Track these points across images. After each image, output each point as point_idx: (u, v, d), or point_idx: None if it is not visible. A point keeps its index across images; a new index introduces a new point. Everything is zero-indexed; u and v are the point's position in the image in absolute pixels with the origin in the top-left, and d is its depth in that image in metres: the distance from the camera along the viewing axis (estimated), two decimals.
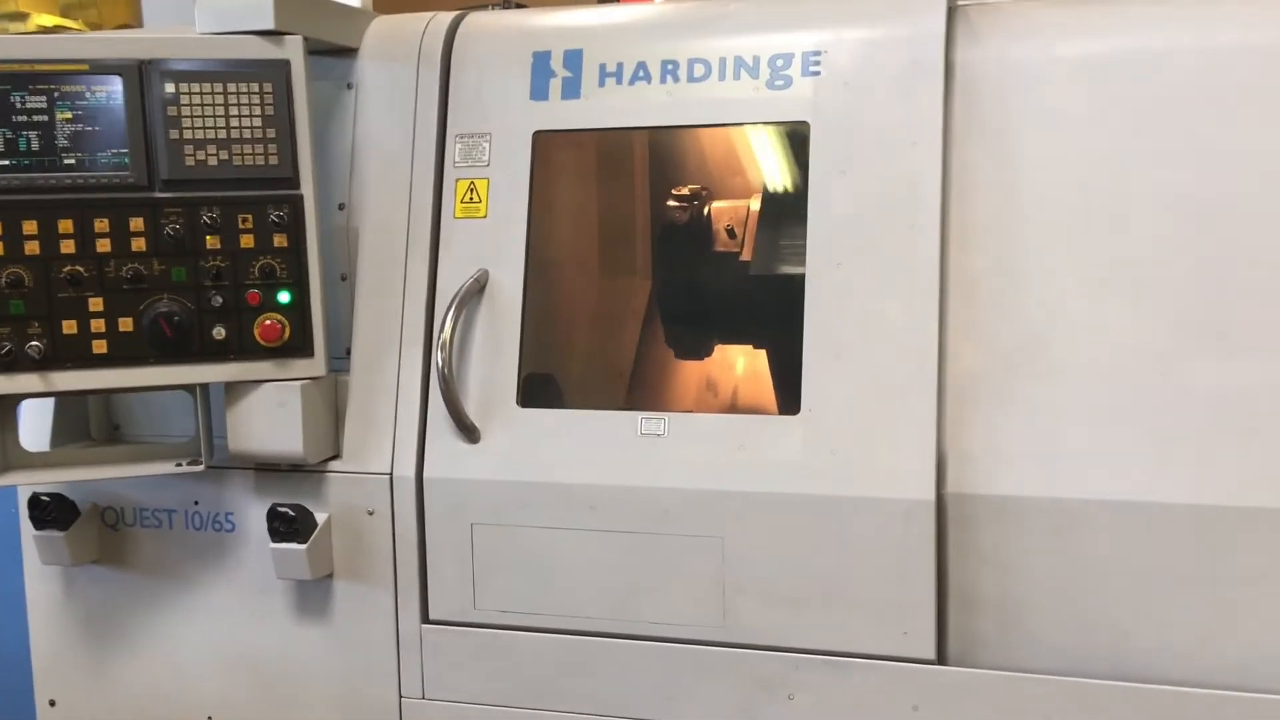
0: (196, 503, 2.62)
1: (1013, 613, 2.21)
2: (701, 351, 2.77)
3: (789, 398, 2.31)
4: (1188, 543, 2.10)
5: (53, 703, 2.77)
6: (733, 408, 2.86)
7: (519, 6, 2.82)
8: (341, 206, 2.57)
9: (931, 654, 2.21)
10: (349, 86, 2.61)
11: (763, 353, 2.71)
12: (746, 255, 2.65)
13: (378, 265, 2.56)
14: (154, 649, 2.69)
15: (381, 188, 2.57)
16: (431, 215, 2.54)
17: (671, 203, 2.69)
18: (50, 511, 2.60)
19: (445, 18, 2.64)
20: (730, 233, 2.62)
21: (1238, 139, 2.14)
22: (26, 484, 2.48)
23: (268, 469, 2.55)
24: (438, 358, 2.42)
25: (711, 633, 2.33)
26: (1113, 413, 2.17)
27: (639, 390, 2.65)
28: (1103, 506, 2.14)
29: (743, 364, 2.88)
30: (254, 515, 2.58)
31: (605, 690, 2.41)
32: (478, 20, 2.63)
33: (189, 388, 2.43)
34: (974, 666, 2.22)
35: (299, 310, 2.41)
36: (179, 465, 2.50)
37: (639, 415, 2.38)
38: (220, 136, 2.33)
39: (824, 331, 2.28)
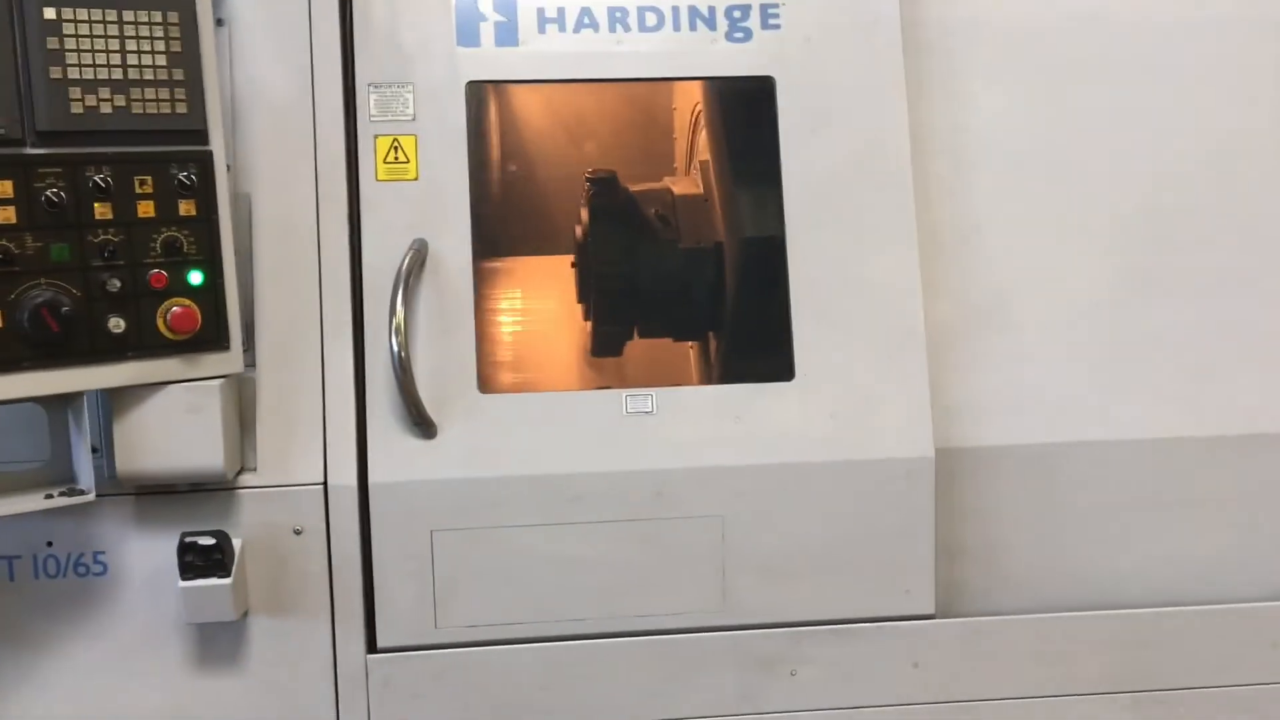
0: (50, 544, 2.08)
1: (995, 560, 2.31)
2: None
3: (782, 365, 2.22)
4: (1145, 473, 2.29)
5: None
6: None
7: None
8: (228, 168, 2.13)
9: (931, 609, 2.25)
10: (219, 23, 2.16)
11: None
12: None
13: (281, 238, 2.16)
14: None
15: (275, 146, 2.17)
16: (347, 178, 2.17)
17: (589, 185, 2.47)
18: None
19: None
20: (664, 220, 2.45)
21: (1167, 100, 2.34)
22: None
23: (152, 491, 2.07)
24: (392, 343, 2.08)
25: (709, 618, 2.22)
26: (1072, 360, 2.31)
27: (617, 368, 2.43)
28: (1071, 448, 2.28)
29: None
30: (134, 551, 2.10)
31: (593, 697, 2.22)
32: None
33: (77, 398, 1.90)
34: (960, 615, 2.28)
35: (212, 294, 1.97)
36: (49, 497, 1.95)
37: (623, 393, 2.19)
38: (115, 77, 1.83)
39: (809, 294, 2.22)
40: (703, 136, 2.43)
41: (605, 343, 2.37)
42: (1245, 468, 2.30)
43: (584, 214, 2.38)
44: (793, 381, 2.21)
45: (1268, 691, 2.31)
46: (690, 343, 2.42)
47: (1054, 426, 2.28)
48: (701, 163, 2.43)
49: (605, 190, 2.33)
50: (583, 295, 2.40)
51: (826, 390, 2.21)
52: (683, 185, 2.47)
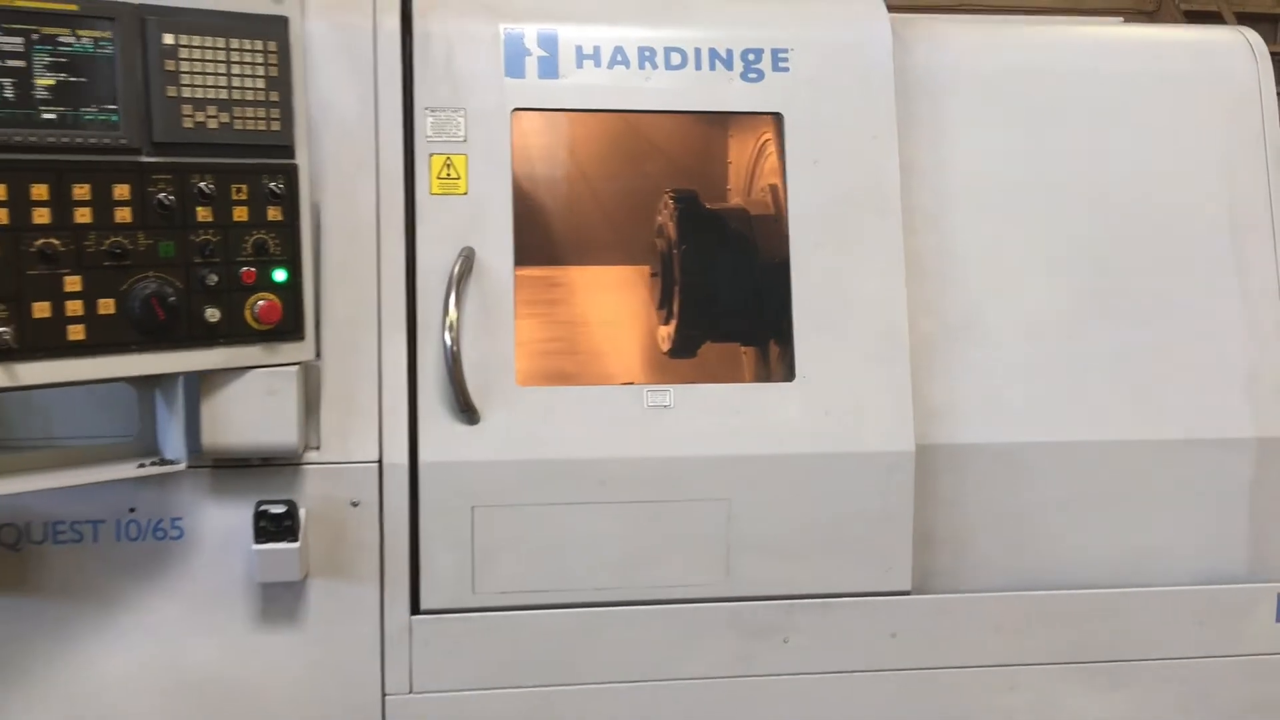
0: (132, 510, 2.33)
1: (964, 545, 2.62)
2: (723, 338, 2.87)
3: (784, 367, 2.53)
4: (1096, 470, 2.62)
5: None
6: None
7: None
8: None
9: (908, 586, 2.55)
10: None
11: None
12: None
13: (345, 243, 2.42)
14: (63, 683, 2.34)
15: (342, 160, 2.43)
16: (404, 191, 2.45)
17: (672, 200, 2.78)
18: None
19: None
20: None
21: (1116, 143, 2.69)
22: None
23: (227, 465, 2.33)
24: (445, 339, 2.36)
25: (714, 590, 2.51)
26: (1035, 370, 2.64)
27: (638, 363, 2.72)
28: (1033, 448, 2.61)
29: None
30: (209, 518, 2.35)
31: (612, 657, 2.49)
32: None
33: (174, 377, 2.16)
34: (933, 593, 2.59)
35: (292, 290, 2.24)
36: (143, 465, 2.21)
37: (644, 388, 2.48)
38: (221, 97, 2.10)
39: (810, 306, 2.53)
40: (769, 163, 2.71)
41: (684, 345, 2.67)
42: (1181, 467, 2.63)
43: (670, 228, 2.66)
44: (793, 382, 2.51)
45: (1197, 664, 2.64)
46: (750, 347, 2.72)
47: (1019, 428, 2.60)
48: (771, 186, 2.72)
49: (689, 207, 2.63)
50: (663, 302, 2.69)
51: (822, 391, 2.51)
52: (754, 207, 2.78)
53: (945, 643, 2.58)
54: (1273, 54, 6.50)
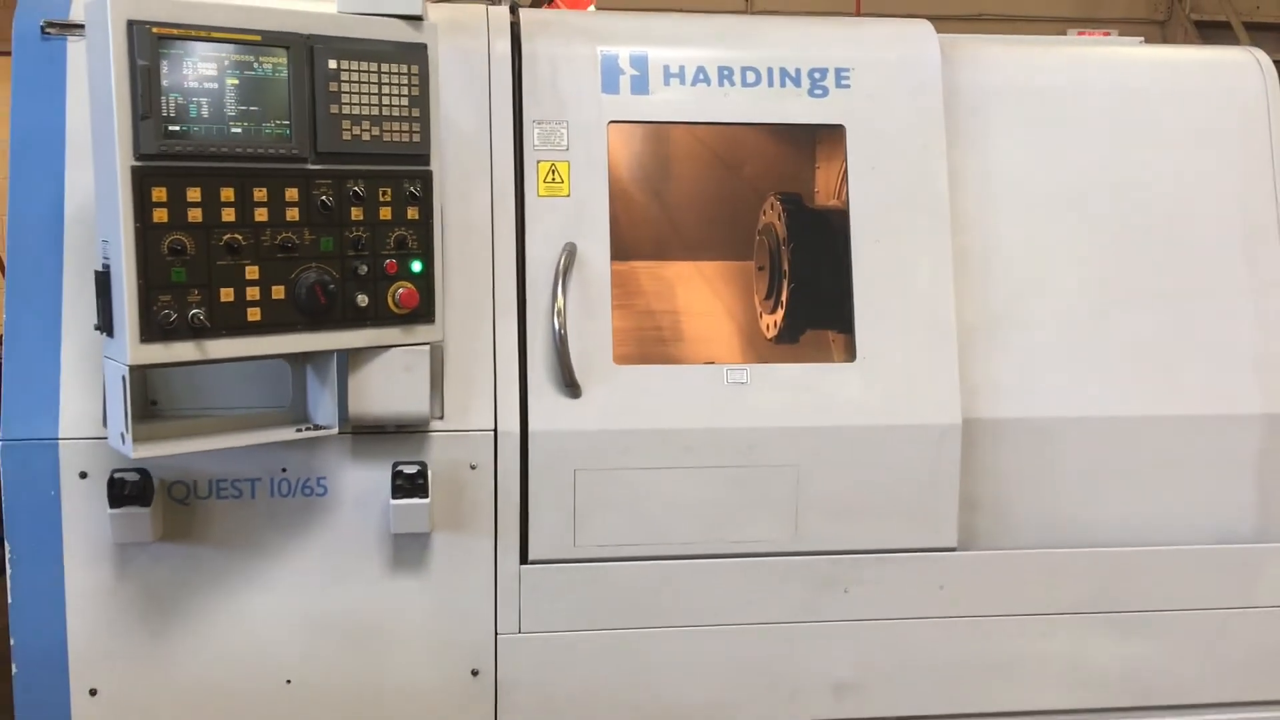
0: (284, 470, 2.68)
1: (1003, 508, 2.96)
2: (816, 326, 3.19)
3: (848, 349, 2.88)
4: (1122, 443, 2.96)
5: (93, 692, 2.67)
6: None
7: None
8: None
9: (954, 543, 2.89)
10: None
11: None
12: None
13: (464, 239, 2.77)
14: (223, 623, 2.69)
15: (462, 167, 2.78)
16: (515, 194, 2.80)
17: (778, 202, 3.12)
18: (130, 489, 2.54)
19: (500, 13, 2.89)
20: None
21: (1138, 150, 3.02)
22: (161, 455, 2.42)
23: (365, 431, 2.68)
24: (554, 323, 2.71)
25: (784, 545, 2.85)
26: (1066, 353, 2.97)
27: (720, 345, 3.06)
28: (1065, 422, 2.95)
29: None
30: (349, 478, 2.70)
31: (694, 603, 2.84)
32: (537, 19, 2.91)
33: (328, 354, 2.51)
34: (976, 549, 2.93)
35: (426, 279, 2.58)
36: (300, 430, 2.56)
37: (724, 368, 2.83)
38: (373, 114, 2.45)
39: (870, 296, 2.87)
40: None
41: (790, 332, 3.01)
42: (1195, 440, 2.97)
43: (777, 226, 3.00)
44: (854, 363, 2.86)
45: (1211, 614, 2.98)
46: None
47: (1052, 404, 2.94)
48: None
49: (795, 207, 2.97)
50: (770, 293, 3.02)
51: (880, 370, 2.85)
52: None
53: (987, 594, 2.92)
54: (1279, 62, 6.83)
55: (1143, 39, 3.49)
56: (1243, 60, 3.12)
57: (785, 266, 3.11)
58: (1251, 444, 2.98)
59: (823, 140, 2.92)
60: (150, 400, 2.67)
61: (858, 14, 5.70)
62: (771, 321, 3.22)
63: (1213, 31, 7.38)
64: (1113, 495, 2.97)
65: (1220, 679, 2.99)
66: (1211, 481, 2.98)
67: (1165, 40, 7.60)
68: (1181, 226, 3.02)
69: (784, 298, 3.13)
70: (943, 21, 7.45)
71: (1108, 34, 7.59)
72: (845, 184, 2.89)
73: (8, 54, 2.66)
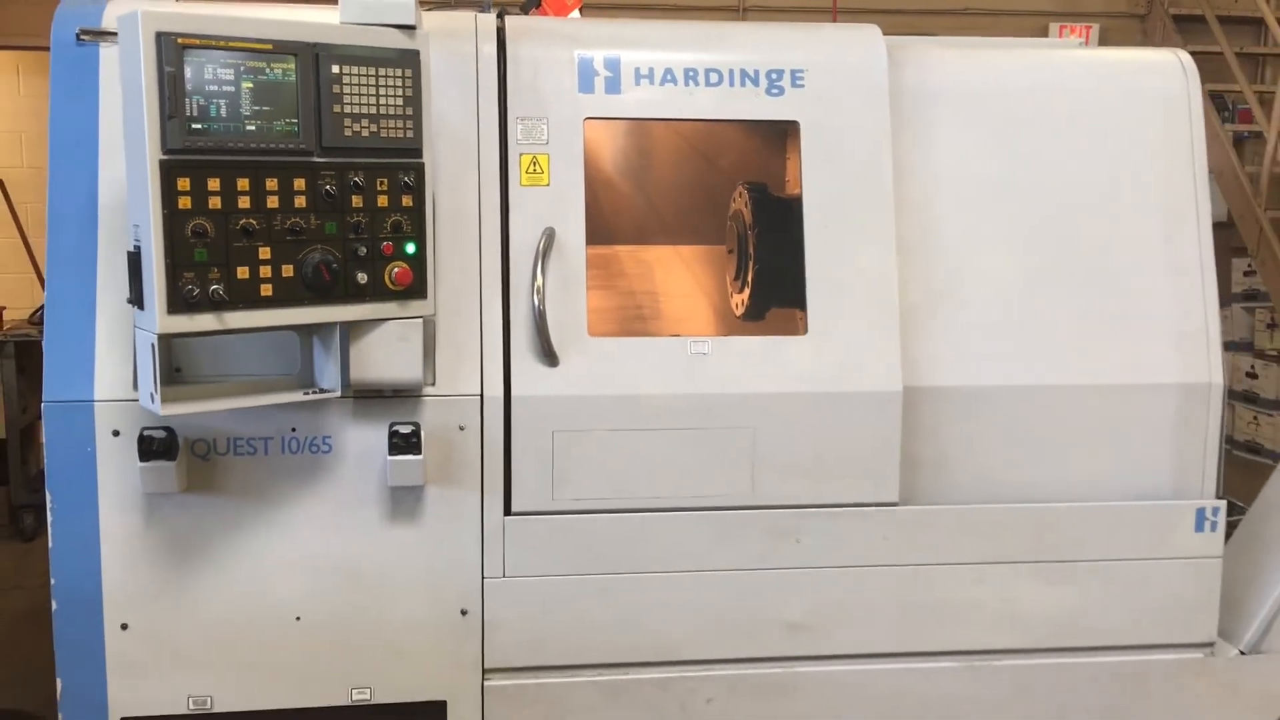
0: (294, 429, 3.01)
1: (942, 467, 3.26)
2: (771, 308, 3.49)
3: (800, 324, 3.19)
4: (1051, 409, 3.27)
5: (124, 626, 3.00)
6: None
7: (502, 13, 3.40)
8: None
9: (897, 499, 3.21)
10: None
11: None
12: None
13: (454, 223, 3.08)
14: (239, 565, 3.03)
15: (451, 159, 3.09)
16: (500, 183, 3.12)
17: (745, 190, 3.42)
18: (158, 445, 2.88)
19: (488, 19, 3.20)
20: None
21: (1071, 145, 3.32)
22: (188, 413, 2.75)
23: (366, 395, 3.01)
24: (534, 299, 3.03)
25: (742, 500, 3.17)
26: (1000, 328, 3.28)
27: (693, 322, 3.37)
28: (999, 390, 3.25)
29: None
30: (351, 437, 3.02)
31: (661, 552, 3.16)
32: (521, 25, 3.23)
33: (332, 325, 2.84)
34: (916, 504, 3.24)
35: (419, 260, 2.90)
36: (308, 393, 2.90)
37: (688, 340, 3.15)
38: (371, 112, 2.77)
39: (820, 275, 3.18)
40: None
41: (756, 310, 3.32)
42: (1118, 407, 3.27)
43: (745, 213, 3.30)
44: (806, 336, 3.17)
45: (1130, 564, 3.29)
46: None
47: (986, 374, 3.24)
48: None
49: (761, 195, 3.29)
50: (738, 274, 3.33)
51: (829, 343, 3.16)
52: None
53: (926, 545, 3.23)
54: (1253, 55, 7.10)
55: (1081, 37, 3.77)
56: (1168, 61, 3.42)
57: (751, 250, 3.43)
58: (1168, 410, 3.28)
59: (792, 135, 3.23)
60: (175, 368, 3.00)
61: (834, 10, 5.97)
62: (740, 300, 3.53)
63: (1190, 25, 7.63)
64: (1042, 456, 3.27)
65: (1137, 623, 3.30)
66: (1132, 444, 3.29)
67: (1146, 34, 7.86)
68: (1107, 214, 3.32)
69: (750, 278, 3.45)
70: (929, 16, 7.73)
71: (1089, 29, 7.89)
72: (796, 175, 3.20)
73: (10, 48, 2.97)
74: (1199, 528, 3.29)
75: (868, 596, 3.22)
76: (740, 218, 3.49)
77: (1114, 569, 3.29)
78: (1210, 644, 3.37)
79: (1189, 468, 3.31)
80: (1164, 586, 3.31)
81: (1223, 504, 3.31)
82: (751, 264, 3.43)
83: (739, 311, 3.53)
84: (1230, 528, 3.45)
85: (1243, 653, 3.40)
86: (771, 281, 3.38)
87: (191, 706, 3.01)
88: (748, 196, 3.46)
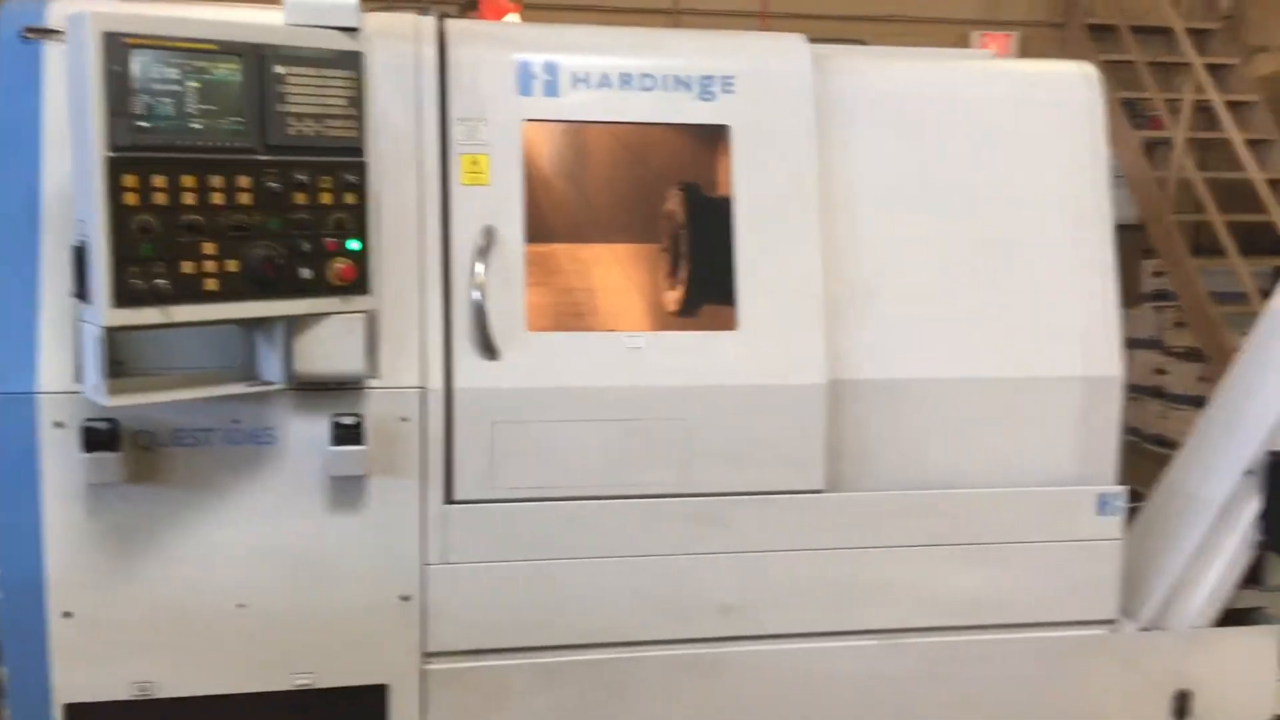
0: (236, 421, 3.08)
1: (864, 456, 3.43)
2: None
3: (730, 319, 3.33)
4: (965, 400, 3.45)
5: (68, 614, 3.05)
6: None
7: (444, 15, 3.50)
8: None
9: (822, 486, 3.37)
10: None
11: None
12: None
13: (396, 221, 3.17)
14: (182, 554, 3.08)
15: (394, 158, 3.17)
16: (440, 182, 3.21)
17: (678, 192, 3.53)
18: (101, 436, 2.94)
19: (428, 22, 3.30)
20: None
21: (984, 150, 3.51)
22: (134, 404, 2.81)
23: (309, 388, 3.09)
24: (473, 294, 3.14)
25: (675, 488, 3.30)
26: (918, 324, 3.45)
27: (629, 318, 3.47)
28: (917, 382, 3.43)
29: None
30: (294, 428, 3.10)
31: (598, 538, 3.28)
32: (460, 28, 3.33)
33: (276, 319, 2.92)
34: (841, 491, 3.40)
35: (362, 256, 2.98)
36: (251, 385, 2.97)
37: (623, 334, 3.28)
38: (315, 112, 2.86)
39: (749, 273, 3.33)
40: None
41: (690, 306, 3.42)
42: (1028, 398, 3.47)
43: (679, 212, 3.41)
44: (736, 331, 3.31)
45: (1038, 546, 3.48)
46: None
47: (907, 367, 3.42)
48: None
49: (694, 195, 3.40)
50: (672, 271, 3.44)
51: (758, 337, 3.31)
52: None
53: (849, 529, 3.40)
54: (1163, 64, 7.40)
55: (1001, 45, 3.96)
56: (1074, 72, 3.62)
57: (684, 248, 3.55)
58: (1074, 401, 3.48)
59: (704, 138, 3.37)
60: (116, 361, 3.04)
61: (763, 14, 6.11)
62: (673, 298, 3.65)
63: (1105, 34, 7.94)
64: (957, 445, 3.46)
65: (1045, 602, 3.50)
66: (1040, 433, 3.48)
67: (1064, 42, 8.15)
68: (1017, 216, 3.51)
69: (683, 276, 3.57)
70: (856, 22, 7.95)
71: (1008, 37, 8.16)
72: (727, 177, 3.34)
73: None
74: (1101, 512, 3.50)
75: (795, 579, 3.37)
76: (673, 217, 3.61)
77: (1023, 551, 3.49)
78: (1113, 621, 3.58)
79: (1092, 456, 3.52)
80: (1069, 567, 3.51)
81: (1123, 489, 3.51)
82: (684, 262, 3.55)
83: (673, 308, 3.65)
84: (1136, 513, 3.67)
85: (1143, 630, 3.61)
86: (704, 279, 3.51)
87: (135, 692, 3.07)
88: (681, 196, 3.58)
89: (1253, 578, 3.68)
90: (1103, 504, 3.50)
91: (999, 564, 3.48)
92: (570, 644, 3.30)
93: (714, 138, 3.50)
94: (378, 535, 3.16)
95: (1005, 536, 3.47)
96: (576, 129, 3.37)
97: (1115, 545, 3.53)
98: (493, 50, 3.27)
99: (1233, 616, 3.70)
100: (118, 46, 2.56)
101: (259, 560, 3.12)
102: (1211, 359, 6.73)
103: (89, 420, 2.92)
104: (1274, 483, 3.55)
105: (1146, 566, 3.66)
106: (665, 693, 3.34)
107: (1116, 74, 7.42)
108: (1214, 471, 3.67)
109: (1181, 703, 3.62)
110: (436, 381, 3.14)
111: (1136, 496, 3.73)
